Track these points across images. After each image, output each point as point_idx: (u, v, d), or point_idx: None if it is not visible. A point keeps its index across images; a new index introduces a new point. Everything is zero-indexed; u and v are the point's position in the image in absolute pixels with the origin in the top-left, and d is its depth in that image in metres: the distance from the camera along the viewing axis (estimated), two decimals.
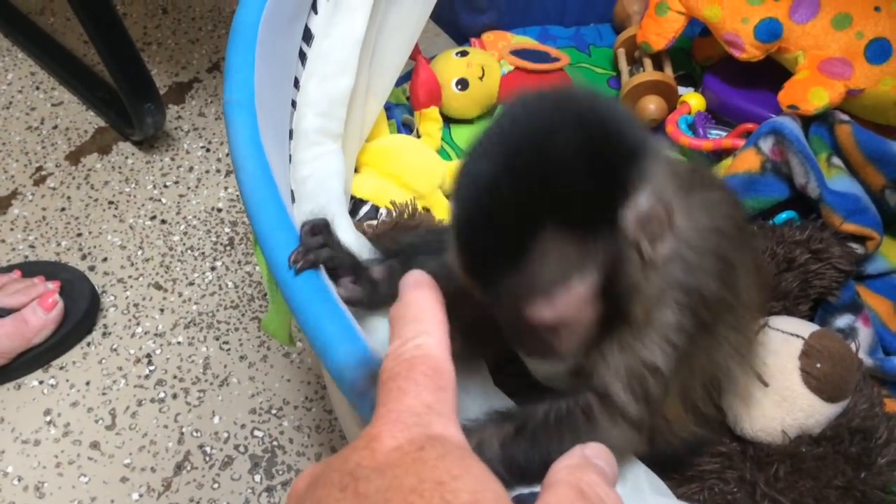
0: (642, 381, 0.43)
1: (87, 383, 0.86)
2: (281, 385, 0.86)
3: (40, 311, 0.85)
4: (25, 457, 0.80)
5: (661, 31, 0.91)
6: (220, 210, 1.03)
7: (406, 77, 0.94)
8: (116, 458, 0.80)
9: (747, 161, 0.75)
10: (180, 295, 0.94)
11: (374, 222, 0.77)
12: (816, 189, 0.71)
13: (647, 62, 0.95)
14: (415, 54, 0.90)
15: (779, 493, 0.52)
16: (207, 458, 0.80)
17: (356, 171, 0.81)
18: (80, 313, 0.89)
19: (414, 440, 0.29)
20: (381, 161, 0.81)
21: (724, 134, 0.89)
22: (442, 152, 0.91)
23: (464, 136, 0.94)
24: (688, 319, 0.42)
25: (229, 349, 0.89)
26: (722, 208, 0.45)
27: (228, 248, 0.99)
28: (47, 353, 0.87)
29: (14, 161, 1.08)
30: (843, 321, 0.69)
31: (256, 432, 0.82)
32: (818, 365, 0.54)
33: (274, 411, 0.84)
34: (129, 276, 0.96)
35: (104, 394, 0.85)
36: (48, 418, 0.83)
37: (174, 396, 0.85)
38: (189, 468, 0.80)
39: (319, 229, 0.49)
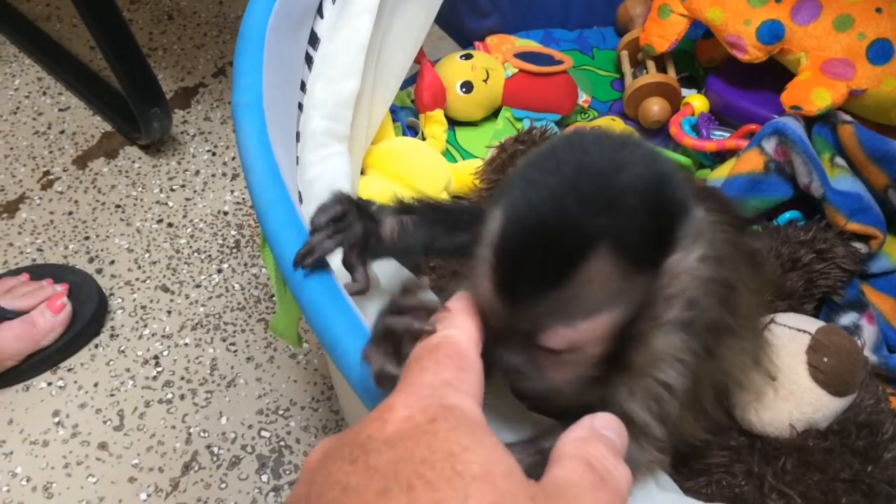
0: (659, 401, 0.43)
1: (96, 385, 0.86)
2: (288, 386, 0.87)
3: (48, 314, 0.85)
4: (34, 457, 0.80)
5: (664, 33, 0.91)
6: (226, 213, 1.04)
7: (411, 80, 0.95)
8: (124, 459, 0.81)
9: (751, 161, 0.75)
10: (187, 297, 0.95)
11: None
12: (820, 189, 0.71)
13: (651, 64, 0.96)
14: (419, 58, 0.91)
15: (786, 486, 0.52)
16: (215, 459, 0.81)
17: (362, 172, 0.82)
18: (88, 315, 0.89)
19: (426, 410, 0.29)
20: (386, 163, 0.82)
21: (727, 135, 0.90)
22: (447, 154, 0.92)
23: (468, 138, 0.95)
24: (694, 342, 0.42)
25: (236, 350, 0.90)
26: (718, 230, 0.44)
27: (235, 250, 1.00)
28: (55, 354, 0.87)
29: (22, 165, 1.09)
30: (847, 319, 0.70)
31: (263, 433, 0.83)
32: (825, 359, 0.55)
33: (281, 412, 0.85)
34: (137, 279, 0.96)
35: (112, 395, 0.85)
36: (56, 419, 0.83)
37: (182, 397, 0.85)
38: (197, 468, 0.80)
39: (333, 216, 0.47)
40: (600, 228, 0.35)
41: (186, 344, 0.90)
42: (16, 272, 0.92)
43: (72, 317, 0.87)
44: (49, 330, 0.85)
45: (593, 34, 1.09)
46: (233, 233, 1.02)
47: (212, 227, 1.02)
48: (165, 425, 0.83)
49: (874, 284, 0.75)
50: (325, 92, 0.71)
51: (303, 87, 0.73)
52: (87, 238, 1.01)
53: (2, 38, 1.27)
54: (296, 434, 0.83)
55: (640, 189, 0.36)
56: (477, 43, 1.02)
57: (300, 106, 0.71)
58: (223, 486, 0.79)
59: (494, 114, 0.96)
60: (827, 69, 0.80)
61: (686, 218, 0.37)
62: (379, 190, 0.80)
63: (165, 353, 0.89)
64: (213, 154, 1.12)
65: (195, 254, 0.99)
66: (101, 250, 0.99)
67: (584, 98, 0.99)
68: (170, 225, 1.03)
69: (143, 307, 0.94)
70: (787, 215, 0.75)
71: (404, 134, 0.91)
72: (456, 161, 0.91)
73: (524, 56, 0.95)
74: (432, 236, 0.51)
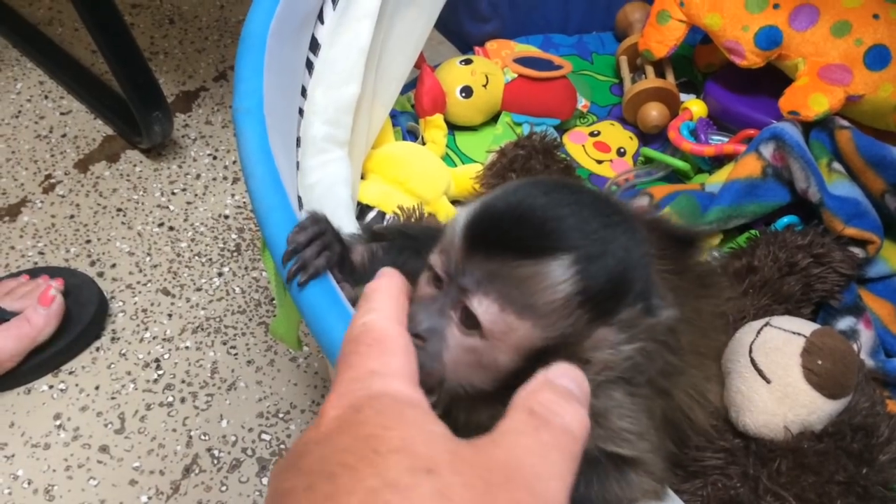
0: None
1: (97, 388, 0.87)
2: (288, 389, 0.87)
3: (40, 308, 0.85)
4: (35, 460, 0.81)
5: (663, 38, 0.92)
6: (226, 217, 1.05)
7: (411, 85, 0.95)
8: (125, 462, 0.81)
9: (748, 167, 0.76)
10: (188, 300, 0.95)
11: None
12: (817, 194, 0.71)
13: (649, 69, 0.96)
14: (420, 62, 0.92)
15: (781, 488, 0.52)
16: (215, 462, 0.81)
17: (362, 177, 0.83)
18: (89, 318, 0.90)
19: (353, 404, 0.29)
20: (386, 168, 0.82)
21: (725, 140, 0.90)
22: (446, 159, 0.92)
23: (468, 143, 0.95)
24: (640, 391, 0.43)
25: (237, 354, 0.90)
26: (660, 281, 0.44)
27: (235, 254, 1.00)
28: (56, 357, 0.88)
29: (24, 169, 1.09)
30: (844, 323, 0.70)
31: (264, 436, 0.83)
32: (819, 362, 0.55)
33: (281, 415, 0.85)
34: (138, 282, 0.97)
35: (113, 398, 0.86)
36: (58, 422, 0.84)
37: (182, 400, 0.86)
38: (197, 471, 0.81)
39: (312, 235, 0.49)
40: (579, 245, 0.37)
41: (187, 347, 0.91)
42: (17, 275, 0.92)
43: (66, 309, 0.87)
44: (44, 324, 0.85)
45: (592, 39, 1.09)
46: (233, 236, 1.02)
47: (213, 231, 1.03)
48: (166, 428, 0.84)
49: (872, 289, 0.75)
50: (326, 97, 0.71)
51: (303, 92, 0.73)
52: (88, 241, 1.01)
53: (4, 41, 1.27)
54: (296, 437, 0.83)
55: (625, 243, 0.38)
56: (477, 48, 1.03)
57: (301, 111, 0.72)
58: (224, 488, 0.80)
59: (494, 118, 0.97)
60: (824, 75, 0.81)
61: (647, 296, 0.39)
62: (379, 194, 0.80)
63: (166, 356, 0.90)
64: (214, 158, 1.13)
65: (196, 257, 1.00)
66: (103, 254, 1.00)
67: (583, 103, 0.99)
68: (171, 228, 1.03)
69: (144, 310, 0.94)
70: (785, 220, 0.76)
71: (404, 139, 0.91)
72: (456, 165, 0.92)
73: (523, 61, 0.95)
74: (402, 261, 0.52)
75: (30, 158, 1.11)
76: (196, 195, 1.07)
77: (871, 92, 0.80)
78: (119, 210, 1.05)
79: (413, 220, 0.73)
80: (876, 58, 0.80)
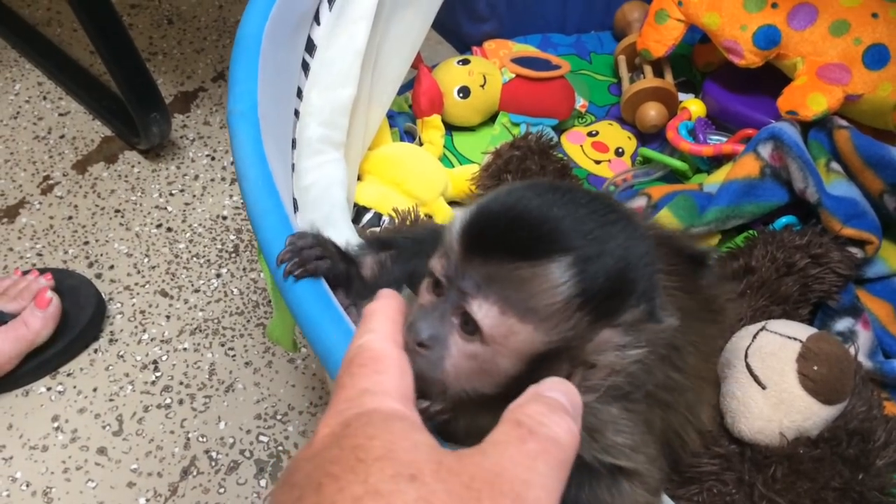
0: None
1: (95, 390, 0.87)
2: (286, 391, 0.87)
3: (37, 311, 0.85)
4: (33, 462, 0.81)
5: (661, 38, 0.92)
6: (225, 218, 1.05)
7: (408, 85, 0.95)
8: (123, 464, 0.81)
9: (747, 167, 0.75)
10: (186, 302, 0.95)
11: (377, 230, 0.78)
12: (815, 194, 0.71)
13: (648, 69, 0.96)
14: (417, 63, 0.91)
15: (777, 495, 0.52)
16: (213, 464, 0.81)
17: (359, 178, 0.82)
18: (86, 319, 0.89)
19: (344, 421, 0.29)
20: (383, 169, 0.82)
21: (724, 139, 0.90)
22: (444, 160, 0.92)
23: (465, 143, 0.95)
24: (636, 407, 0.42)
25: (235, 355, 0.90)
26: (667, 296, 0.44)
27: (234, 255, 1.00)
28: (55, 359, 0.88)
29: (22, 170, 1.09)
30: (842, 324, 0.70)
31: (262, 437, 0.83)
32: (815, 367, 0.55)
33: (279, 417, 0.85)
34: (136, 284, 0.97)
35: (111, 400, 0.86)
36: (56, 424, 0.84)
37: (180, 402, 0.86)
38: (195, 473, 0.81)
39: (313, 242, 0.49)
40: (577, 245, 0.37)
41: (185, 349, 0.91)
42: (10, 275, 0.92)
43: (63, 310, 0.87)
44: (41, 327, 0.85)
45: (591, 39, 1.09)
46: (231, 237, 1.02)
47: (211, 232, 1.03)
48: (164, 430, 0.83)
49: (870, 289, 0.75)
50: (322, 99, 0.71)
51: (299, 94, 0.73)
52: (86, 243, 1.01)
53: (2, 42, 1.27)
54: (294, 439, 0.83)
55: (624, 242, 0.38)
56: (474, 48, 1.03)
57: (297, 113, 0.71)
58: (221, 490, 0.79)
59: (492, 119, 0.97)
60: (823, 74, 0.80)
61: (651, 298, 0.39)
62: (376, 196, 0.80)
63: (164, 357, 0.90)
64: (213, 159, 1.12)
65: (194, 258, 1.00)
66: (101, 255, 1.00)
67: (581, 103, 0.99)
68: (169, 230, 1.03)
69: (143, 312, 0.94)
70: (783, 220, 0.76)
71: (402, 139, 0.91)
72: (453, 166, 0.92)
73: (521, 61, 0.95)
74: (412, 268, 0.52)
75: (28, 160, 1.11)
76: (194, 196, 1.07)
77: (870, 91, 0.79)
78: (117, 211, 1.05)
79: (409, 222, 0.72)
80: (875, 57, 0.79)
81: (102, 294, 0.94)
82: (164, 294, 0.96)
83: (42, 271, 0.92)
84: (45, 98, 1.20)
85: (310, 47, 0.74)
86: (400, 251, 0.53)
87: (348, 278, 0.50)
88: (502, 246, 0.37)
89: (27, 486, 0.79)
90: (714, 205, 0.75)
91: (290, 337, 0.62)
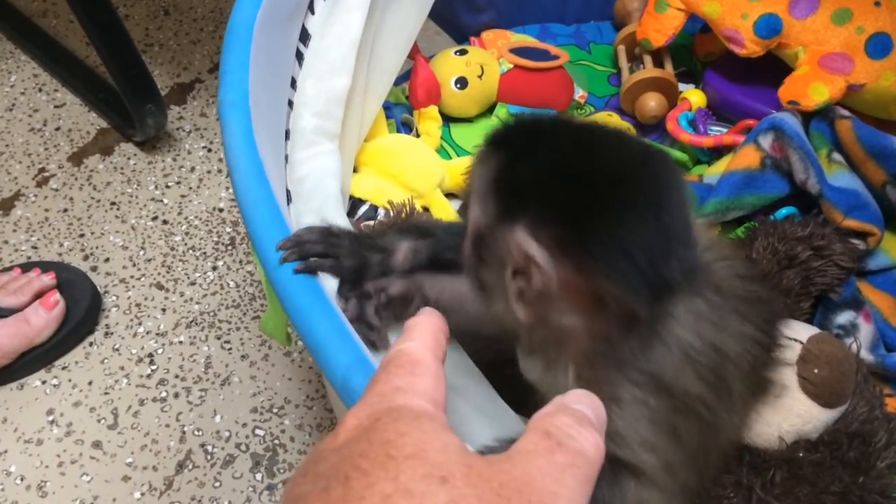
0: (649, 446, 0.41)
1: (90, 383, 0.86)
2: (282, 384, 0.86)
3: (42, 311, 0.85)
4: (28, 456, 0.80)
5: (661, 27, 0.90)
6: (221, 210, 1.04)
7: (405, 76, 0.94)
8: (118, 458, 0.80)
9: (747, 158, 0.74)
10: (182, 295, 0.94)
11: (373, 222, 0.77)
12: (817, 185, 0.70)
13: (648, 59, 0.95)
14: (414, 53, 0.90)
15: (775, 499, 0.51)
16: (209, 457, 0.81)
17: (355, 170, 0.82)
18: (82, 313, 0.89)
19: (373, 414, 0.29)
20: (380, 161, 0.81)
21: (724, 130, 0.89)
22: (441, 151, 0.91)
23: (463, 134, 0.94)
24: (654, 397, 0.41)
25: (231, 348, 0.89)
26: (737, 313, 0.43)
27: (230, 247, 1.00)
28: (50, 352, 0.87)
29: (17, 163, 1.09)
30: (844, 318, 0.69)
31: (258, 431, 0.83)
32: (816, 370, 0.54)
33: (275, 410, 0.84)
34: (131, 277, 0.96)
35: (106, 393, 0.85)
36: (51, 418, 0.83)
37: (176, 396, 0.85)
38: (191, 467, 0.80)
39: (318, 238, 0.49)
40: (617, 190, 0.37)
41: (181, 342, 0.90)
42: (8, 269, 0.91)
43: (65, 313, 0.87)
44: (43, 327, 0.85)
45: (590, 29, 1.08)
46: (228, 230, 1.02)
47: (207, 224, 1.02)
48: (159, 424, 0.83)
49: (872, 281, 0.74)
50: (316, 89, 0.70)
51: (293, 84, 0.72)
52: (81, 235, 1.00)
53: None
54: (290, 432, 0.83)
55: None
56: (472, 38, 1.01)
57: (290, 103, 0.71)
58: (217, 484, 0.79)
59: (489, 110, 0.95)
60: (825, 63, 0.79)
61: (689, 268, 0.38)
62: (372, 188, 0.79)
63: (160, 351, 0.89)
64: (209, 150, 1.12)
65: (190, 251, 0.99)
66: (96, 248, 0.99)
67: (580, 93, 0.98)
68: (165, 222, 1.02)
69: (138, 305, 0.93)
70: (784, 211, 0.75)
71: (398, 131, 0.90)
72: (451, 158, 0.91)
73: (519, 51, 0.94)
74: (444, 258, 0.52)
75: (23, 152, 1.10)
76: (190, 188, 1.06)
77: (873, 81, 0.78)
78: (113, 203, 1.04)
79: (404, 214, 0.72)
80: (877, 46, 0.78)
81: (98, 287, 0.93)
82: (160, 287, 0.95)
83: (39, 265, 0.92)
84: (40, 90, 1.19)
85: (304, 36, 0.73)
86: (437, 241, 0.52)
87: (359, 271, 0.50)
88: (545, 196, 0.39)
89: (21, 479, 0.79)
90: (714, 196, 0.74)
91: (284, 330, 0.61)
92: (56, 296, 0.86)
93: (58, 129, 1.13)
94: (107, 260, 0.98)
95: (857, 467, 0.53)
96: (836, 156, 0.74)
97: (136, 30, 1.28)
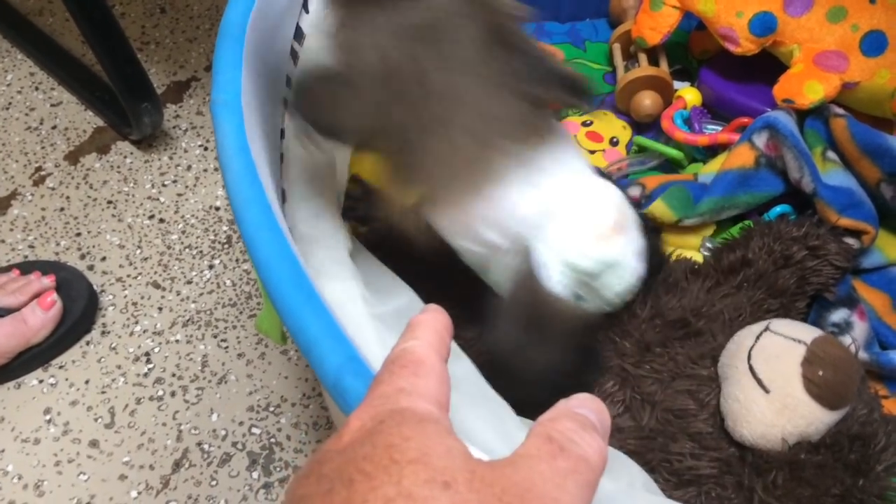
0: None
1: (87, 382, 0.86)
2: (279, 382, 0.87)
3: (39, 311, 0.85)
4: (25, 455, 0.80)
5: (656, 25, 0.90)
6: (217, 208, 1.04)
7: None
8: (115, 457, 0.81)
9: (741, 157, 0.74)
10: (178, 293, 0.94)
11: None
12: (811, 184, 0.70)
13: (643, 57, 0.95)
14: None
15: (776, 500, 0.51)
16: (205, 456, 0.81)
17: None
18: (79, 312, 0.89)
19: (376, 416, 0.29)
20: (375, 163, 0.81)
21: (719, 128, 0.89)
22: None
23: None
24: None
25: (227, 347, 0.90)
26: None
27: (227, 246, 1.00)
28: (47, 352, 0.87)
29: (14, 161, 1.09)
30: (838, 315, 0.69)
31: (254, 429, 0.83)
32: (820, 372, 0.54)
33: (272, 408, 0.84)
34: (128, 275, 0.96)
35: (103, 392, 0.86)
36: (48, 417, 0.83)
37: (172, 394, 0.85)
38: (187, 465, 0.80)
39: None
40: None
41: (178, 341, 0.90)
42: (6, 269, 0.92)
43: (62, 313, 0.87)
44: (40, 327, 0.85)
45: (585, 27, 1.07)
46: (224, 228, 1.02)
47: (203, 223, 1.02)
48: (156, 423, 0.83)
49: (867, 280, 0.74)
50: None
51: (288, 82, 0.72)
52: (78, 234, 1.00)
53: None
54: (286, 431, 0.83)
55: None
56: None
57: (286, 102, 0.71)
58: (214, 483, 0.79)
59: None
60: (820, 61, 0.79)
61: None
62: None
63: (157, 349, 0.89)
64: (206, 149, 1.12)
65: (187, 249, 0.99)
66: (93, 246, 0.99)
67: None
68: (161, 221, 1.02)
69: (135, 304, 0.94)
70: (778, 209, 0.75)
71: None
72: None
73: None
74: None
75: (20, 151, 1.10)
76: (187, 186, 1.06)
77: (868, 79, 0.78)
78: (109, 202, 1.04)
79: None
80: (872, 44, 0.78)
81: (94, 286, 0.93)
82: (157, 286, 0.95)
83: (37, 265, 0.92)
84: (37, 88, 1.19)
85: (298, 35, 0.73)
86: None
87: None
88: None
89: (19, 478, 0.79)
90: (708, 195, 0.74)
91: (279, 329, 0.61)
92: (53, 295, 0.87)
93: (54, 127, 1.14)
94: (103, 259, 0.98)
95: (858, 469, 0.53)
96: (831, 154, 0.74)
97: (132, 28, 1.28)
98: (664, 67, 0.94)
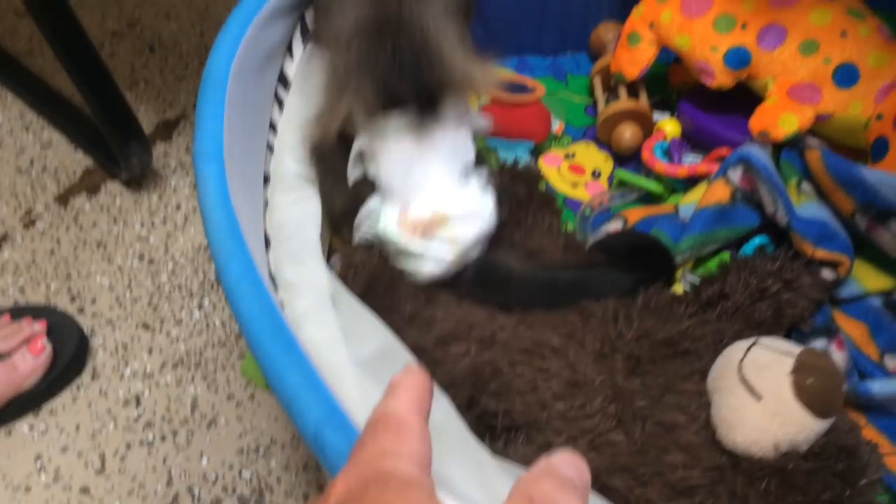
0: None
1: (77, 427, 0.87)
2: (268, 424, 0.87)
3: (29, 356, 0.86)
4: (17, 503, 0.80)
5: (634, 60, 0.92)
6: (206, 248, 1.05)
7: None
8: (106, 503, 0.81)
9: (717, 193, 0.75)
10: (168, 334, 0.95)
11: None
12: (785, 217, 0.71)
13: (622, 90, 0.96)
14: None
15: None
16: (196, 501, 0.81)
17: None
18: (69, 356, 0.90)
19: (361, 479, 0.30)
20: None
21: (699, 159, 0.90)
22: None
23: None
24: None
25: (217, 388, 0.90)
26: None
27: (216, 285, 1.00)
28: (38, 397, 0.88)
29: (4, 204, 1.10)
30: (817, 345, 0.70)
31: (244, 473, 0.83)
32: (810, 379, 0.55)
33: (262, 451, 0.85)
34: (118, 317, 0.97)
35: (94, 437, 0.86)
36: (38, 464, 0.83)
37: (162, 438, 0.86)
38: None
39: None
40: None
41: (167, 383, 0.90)
42: None
43: (53, 358, 0.88)
44: (30, 373, 0.86)
45: (567, 60, 1.09)
46: (213, 267, 1.02)
47: (192, 263, 1.03)
48: (146, 467, 0.83)
49: (845, 310, 0.75)
50: (296, 137, 0.71)
51: (273, 127, 0.73)
52: (68, 276, 1.01)
53: None
54: (276, 473, 0.83)
55: None
56: None
57: (270, 147, 0.72)
58: None
59: None
60: (794, 94, 0.81)
61: None
62: None
63: (146, 392, 0.90)
64: (194, 188, 1.12)
65: (176, 290, 1.00)
66: (83, 289, 1.00)
67: (557, 125, 0.99)
68: (151, 261, 1.03)
69: (125, 346, 0.94)
70: (756, 241, 0.76)
71: None
72: None
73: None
74: None
75: (10, 193, 1.11)
76: (176, 226, 1.07)
77: (841, 110, 0.80)
78: (99, 243, 1.05)
79: None
80: (845, 75, 0.79)
81: (84, 329, 0.94)
82: (147, 327, 0.96)
83: (27, 310, 0.93)
84: (27, 129, 1.20)
85: (282, 80, 0.75)
86: None
87: None
88: None
89: None
90: (688, 233, 0.75)
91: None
92: (43, 340, 0.87)
93: (44, 168, 1.15)
94: (93, 301, 0.99)
95: (845, 479, 0.55)
96: (806, 186, 0.75)
97: (122, 67, 1.29)
98: (644, 100, 0.95)
